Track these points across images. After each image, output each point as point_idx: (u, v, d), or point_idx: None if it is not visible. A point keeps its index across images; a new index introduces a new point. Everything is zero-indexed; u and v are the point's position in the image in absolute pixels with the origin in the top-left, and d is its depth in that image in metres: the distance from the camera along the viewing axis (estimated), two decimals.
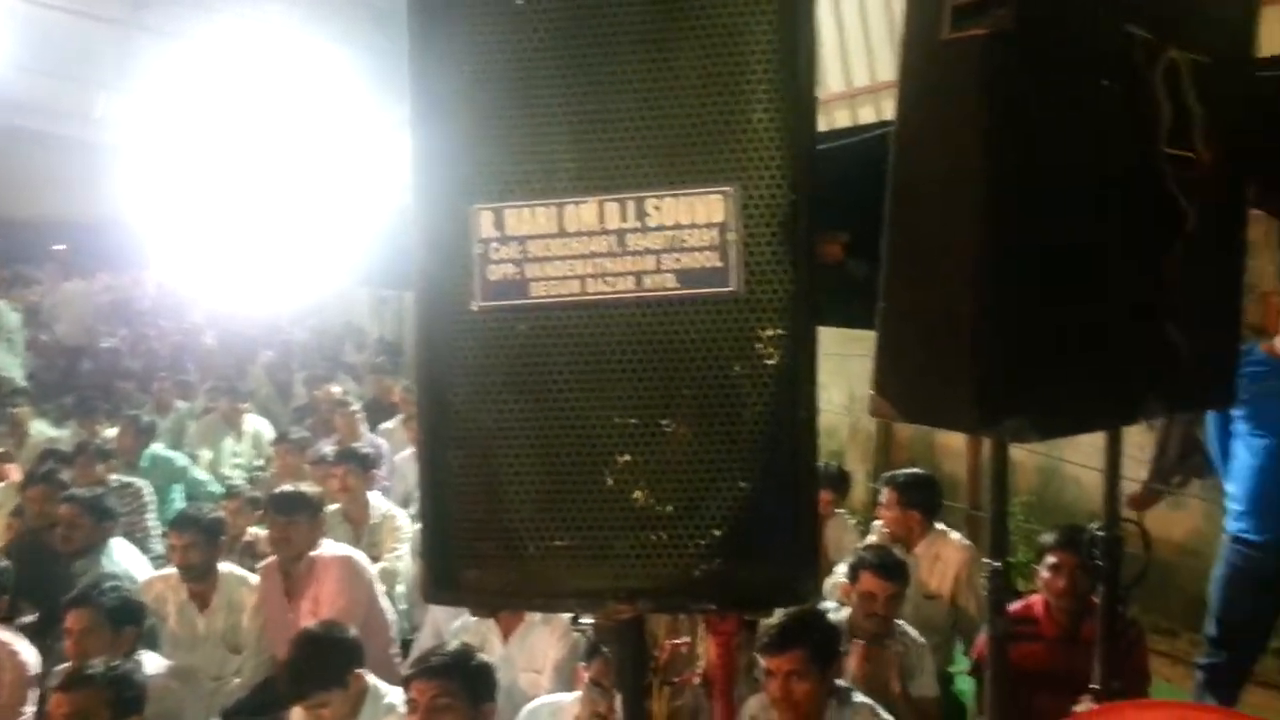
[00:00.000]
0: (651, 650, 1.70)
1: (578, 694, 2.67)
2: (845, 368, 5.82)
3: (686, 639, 1.93)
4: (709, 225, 1.25)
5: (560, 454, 1.26)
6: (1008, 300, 1.69)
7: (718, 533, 1.24)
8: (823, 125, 5.77)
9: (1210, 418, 3.34)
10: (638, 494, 1.24)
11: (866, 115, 5.82)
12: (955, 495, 5.41)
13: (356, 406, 6.61)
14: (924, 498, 3.96)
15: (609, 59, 1.22)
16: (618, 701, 1.55)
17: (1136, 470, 4.00)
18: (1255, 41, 2.03)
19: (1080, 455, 4.83)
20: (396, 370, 8.81)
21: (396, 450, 6.20)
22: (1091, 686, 2.33)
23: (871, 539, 3.98)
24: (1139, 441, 3.72)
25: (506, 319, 1.27)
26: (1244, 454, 3.15)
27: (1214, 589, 3.24)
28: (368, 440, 6.06)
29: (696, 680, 2.73)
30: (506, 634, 3.30)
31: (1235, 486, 3.19)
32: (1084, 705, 2.28)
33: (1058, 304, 1.74)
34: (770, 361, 1.24)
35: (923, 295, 1.82)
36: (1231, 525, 3.20)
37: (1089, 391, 1.87)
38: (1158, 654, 4.28)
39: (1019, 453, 5.18)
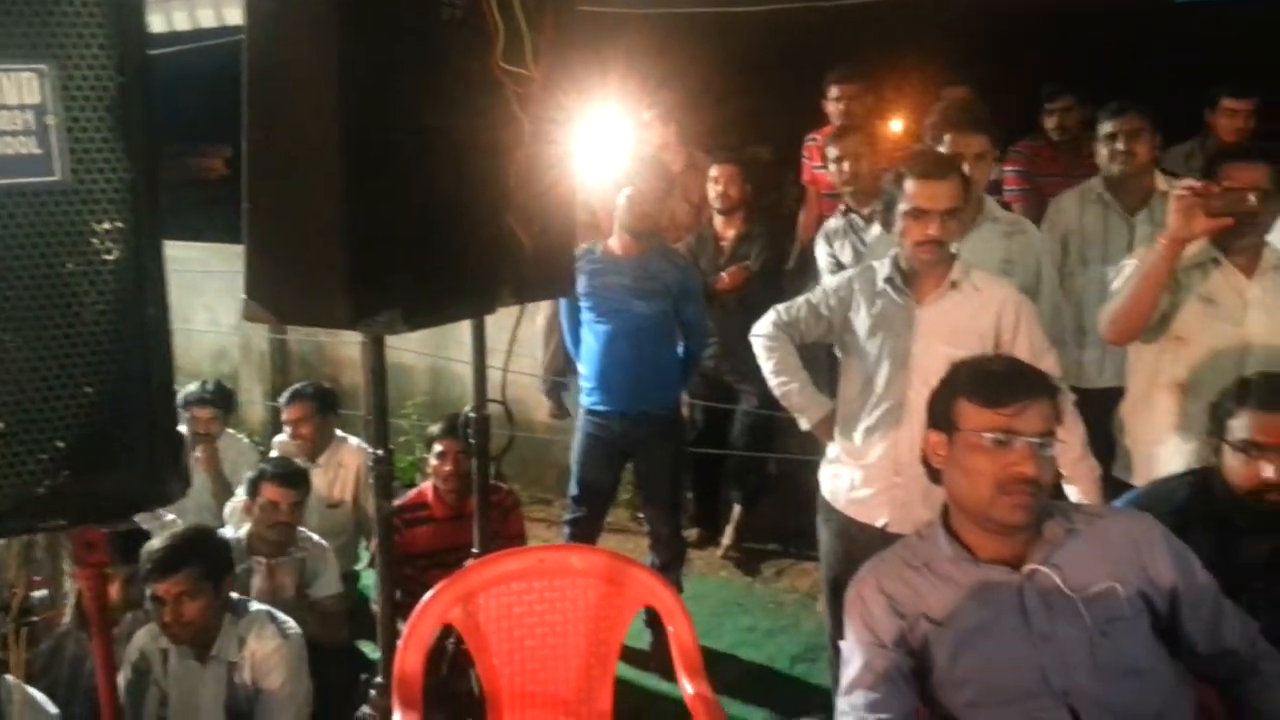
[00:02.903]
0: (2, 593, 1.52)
1: None
2: (233, 286, 5.55)
3: (47, 578, 1.76)
4: (22, 107, 1.12)
5: None
6: (370, 198, 1.77)
7: (62, 444, 1.15)
8: (162, 25, 5.35)
9: (563, 311, 3.84)
10: None
11: (206, 18, 5.48)
12: (355, 404, 5.54)
13: None
14: (332, 407, 4.04)
15: None
16: None
17: (513, 362, 4.48)
18: None
19: (464, 354, 5.22)
20: None
21: None
22: (473, 552, 2.62)
23: (274, 454, 3.94)
24: (514, 336, 4.14)
25: None
26: (590, 339, 3.68)
27: (573, 455, 3.77)
28: None
29: (65, 619, 2.51)
30: None
31: (585, 367, 3.73)
32: None
33: (417, 202, 1.87)
34: (109, 257, 1.16)
35: (288, 196, 1.82)
36: (584, 400, 3.74)
37: (450, 285, 2.05)
38: (537, 520, 4.90)
39: (409, 356, 5.46)
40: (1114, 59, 4.76)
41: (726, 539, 4.53)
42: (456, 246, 2.03)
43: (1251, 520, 1.93)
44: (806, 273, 4.05)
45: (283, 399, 4.04)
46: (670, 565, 3.67)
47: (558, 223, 2.43)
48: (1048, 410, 1.57)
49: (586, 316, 3.66)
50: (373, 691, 2.17)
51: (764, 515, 4.59)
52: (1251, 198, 2.25)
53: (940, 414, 1.65)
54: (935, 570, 1.63)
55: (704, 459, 4.50)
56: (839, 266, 3.50)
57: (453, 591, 2.14)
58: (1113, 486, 2.49)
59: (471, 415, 2.62)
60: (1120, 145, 3.15)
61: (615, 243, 3.63)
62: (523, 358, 4.70)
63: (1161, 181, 3.18)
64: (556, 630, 2.19)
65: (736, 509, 4.56)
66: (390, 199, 1.81)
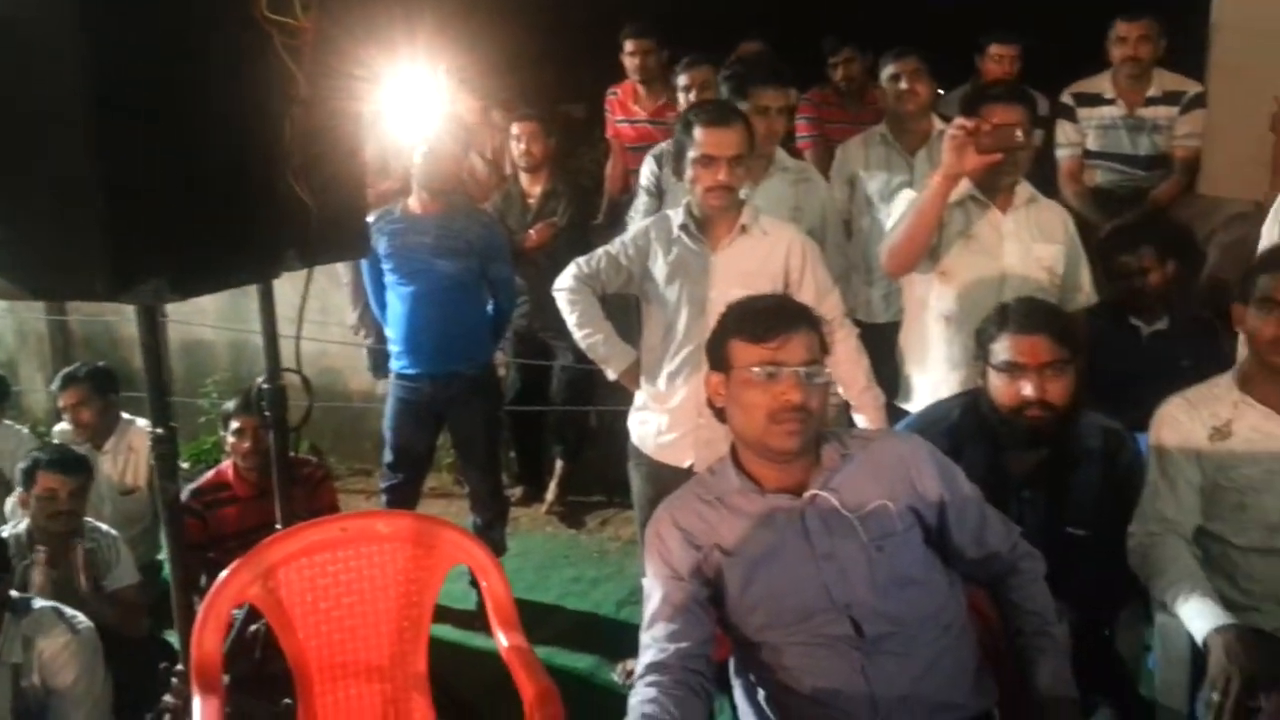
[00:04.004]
0: None
1: None
2: None
3: None
4: None
5: None
6: (124, 155, 1.66)
7: None
8: None
9: (366, 275, 3.72)
10: None
11: None
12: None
13: None
14: (112, 388, 3.78)
15: None
16: None
17: (323, 330, 4.33)
18: None
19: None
20: None
21: None
22: (276, 527, 2.52)
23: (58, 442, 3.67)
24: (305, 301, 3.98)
25: None
26: (395, 302, 3.58)
27: (386, 421, 3.69)
28: None
29: None
30: None
31: (393, 330, 3.64)
32: None
33: (179, 159, 1.76)
34: None
35: (30, 156, 1.69)
36: (394, 364, 3.65)
37: (226, 249, 1.94)
38: (356, 492, 4.79)
39: (208, 331, 5.18)
40: (889, 11, 5.00)
41: (550, 494, 4.56)
42: (229, 208, 1.91)
43: (1015, 436, 2.08)
44: (615, 227, 4.07)
45: (54, 384, 3.78)
46: (493, 524, 3.67)
47: (347, 182, 2.34)
48: (811, 341, 1.65)
49: (390, 279, 3.58)
50: (174, 680, 2.08)
51: (587, 468, 4.64)
52: (1019, 134, 2.42)
53: (717, 355, 1.72)
54: (726, 503, 1.69)
55: (524, 417, 4.50)
56: (657, 189, 3.52)
57: (251, 569, 2.06)
58: (897, 414, 2.66)
59: (265, 387, 2.50)
60: (903, 85, 3.33)
61: (414, 202, 3.55)
62: (333, 325, 4.56)
63: (939, 124, 3.38)
64: (365, 598, 2.14)
65: (559, 464, 4.59)
66: (148, 156, 1.70)
